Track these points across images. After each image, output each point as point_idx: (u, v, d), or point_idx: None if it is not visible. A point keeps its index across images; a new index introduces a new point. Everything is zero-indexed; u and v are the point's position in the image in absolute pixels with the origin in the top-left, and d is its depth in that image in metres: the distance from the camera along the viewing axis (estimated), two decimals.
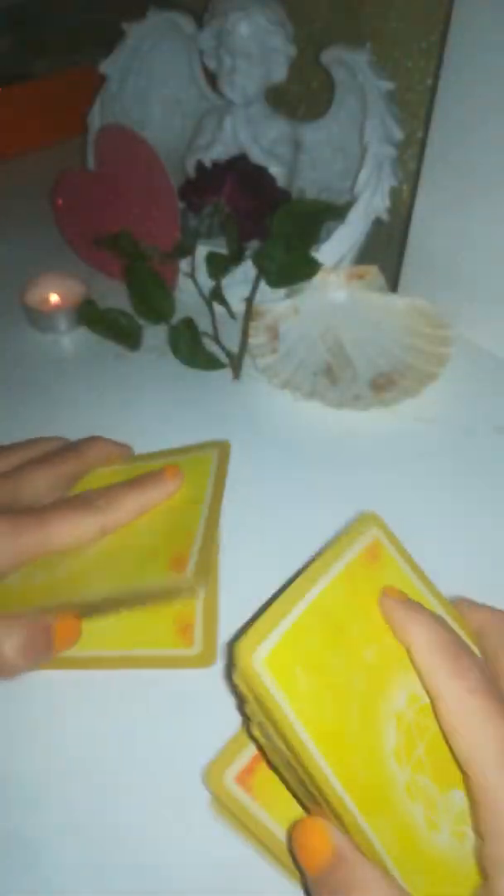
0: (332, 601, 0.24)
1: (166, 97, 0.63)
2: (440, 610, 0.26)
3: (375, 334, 0.50)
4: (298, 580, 0.24)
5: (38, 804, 0.29)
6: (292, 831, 0.23)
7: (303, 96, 0.67)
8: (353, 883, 0.20)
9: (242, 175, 0.49)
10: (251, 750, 0.27)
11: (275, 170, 0.54)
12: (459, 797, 0.23)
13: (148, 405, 0.48)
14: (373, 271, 0.51)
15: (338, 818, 0.21)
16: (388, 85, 0.51)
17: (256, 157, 0.55)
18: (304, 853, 0.22)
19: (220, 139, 0.56)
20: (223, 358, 0.49)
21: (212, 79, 0.58)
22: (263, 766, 0.26)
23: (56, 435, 0.39)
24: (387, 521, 0.27)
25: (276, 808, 0.26)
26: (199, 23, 0.55)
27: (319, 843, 0.22)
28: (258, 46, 0.52)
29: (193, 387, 0.49)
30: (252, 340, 0.50)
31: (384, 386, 0.47)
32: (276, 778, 0.25)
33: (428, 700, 0.23)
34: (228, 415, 0.48)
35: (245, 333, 0.49)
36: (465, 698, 0.21)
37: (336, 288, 0.51)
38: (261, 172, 0.51)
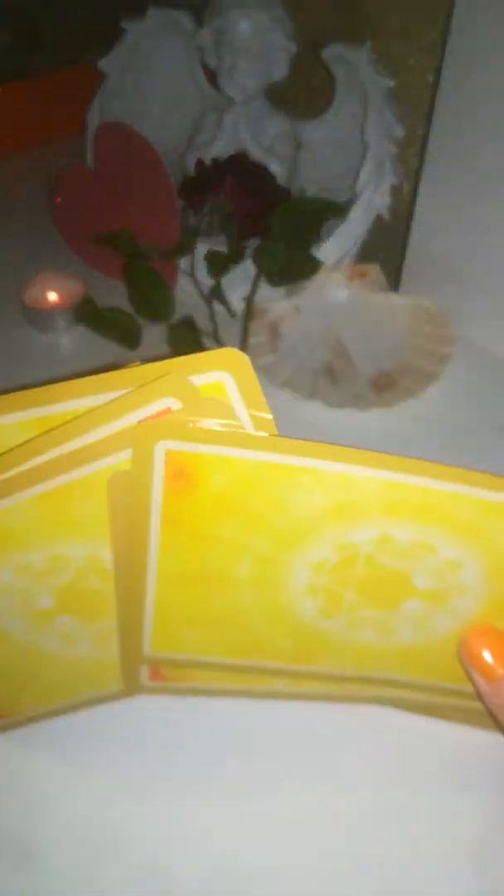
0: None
1: (166, 95, 0.63)
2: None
3: (376, 333, 0.50)
4: None
5: None
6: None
7: (303, 94, 0.67)
8: None
9: (242, 173, 0.49)
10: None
11: (275, 168, 0.54)
12: (413, 605, 0.24)
13: None
14: (374, 270, 0.51)
15: None
16: (388, 82, 0.50)
17: (256, 155, 0.55)
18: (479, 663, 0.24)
19: (219, 137, 0.56)
20: None
21: (212, 76, 0.58)
22: None
23: None
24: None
25: None
26: (199, 20, 0.55)
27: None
28: (258, 44, 0.52)
29: None
30: (252, 340, 0.49)
31: (385, 385, 0.47)
32: None
33: (339, 557, 0.24)
34: None
35: (245, 332, 0.49)
36: None
37: (337, 287, 0.51)
38: (261, 170, 0.51)
